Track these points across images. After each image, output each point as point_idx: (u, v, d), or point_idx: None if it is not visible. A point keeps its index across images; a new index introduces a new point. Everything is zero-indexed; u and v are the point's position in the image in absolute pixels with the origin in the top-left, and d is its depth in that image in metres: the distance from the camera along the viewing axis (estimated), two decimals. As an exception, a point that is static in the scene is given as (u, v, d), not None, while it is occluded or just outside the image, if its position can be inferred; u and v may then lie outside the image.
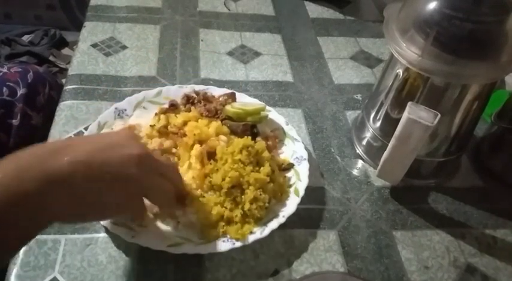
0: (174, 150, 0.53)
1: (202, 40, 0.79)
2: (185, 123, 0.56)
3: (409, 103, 0.48)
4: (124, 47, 0.74)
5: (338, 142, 0.64)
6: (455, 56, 0.47)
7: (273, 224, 0.48)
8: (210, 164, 0.51)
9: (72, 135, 0.58)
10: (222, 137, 0.54)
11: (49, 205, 0.35)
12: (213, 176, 0.50)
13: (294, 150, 0.57)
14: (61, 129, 0.59)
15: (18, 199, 0.33)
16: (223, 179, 0.49)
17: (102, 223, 0.47)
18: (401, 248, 0.52)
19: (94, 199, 0.38)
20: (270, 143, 0.57)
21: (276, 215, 0.50)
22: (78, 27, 0.82)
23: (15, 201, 0.33)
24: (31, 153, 0.36)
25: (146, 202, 0.43)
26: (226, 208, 0.48)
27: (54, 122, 0.60)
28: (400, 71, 0.53)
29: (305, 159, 0.55)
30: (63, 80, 0.71)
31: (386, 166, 0.53)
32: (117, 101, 0.60)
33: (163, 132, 0.55)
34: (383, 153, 0.52)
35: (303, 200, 0.51)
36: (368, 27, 0.89)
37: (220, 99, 0.61)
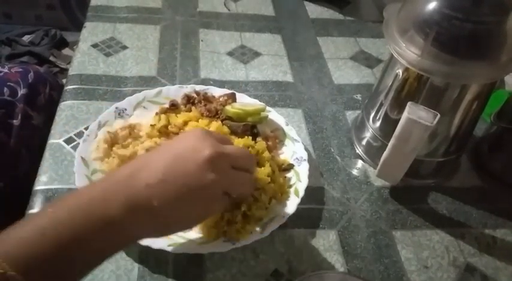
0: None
1: (202, 40, 0.79)
2: (186, 123, 0.56)
3: (409, 103, 0.48)
4: (124, 47, 0.74)
5: (338, 142, 0.64)
6: (455, 56, 0.47)
7: (273, 224, 0.48)
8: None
9: (73, 136, 0.58)
10: (222, 137, 0.54)
11: (133, 228, 0.36)
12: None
13: (294, 151, 0.57)
14: (61, 129, 0.59)
15: (103, 224, 0.34)
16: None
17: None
18: (401, 248, 0.52)
19: (178, 214, 0.38)
20: (270, 143, 0.58)
21: (276, 216, 0.50)
22: (78, 27, 0.82)
23: (101, 226, 0.34)
24: (110, 180, 0.37)
25: None
26: (226, 208, 0.48)
27: (55, 122, 0.60)
28: (400, 71, 0.53)
29: (305, 160, 0.56)
30: (64, 80, 0.71)
31: (386, 165, 0.53)
32: (117, 101, 0.60)
33: (164, 132, 0.55)
34: (383, 153, 0.52)
35: (303, 200, 0.51)
36: (368, 28, 0.89)
37: (221, 99, 0.61)
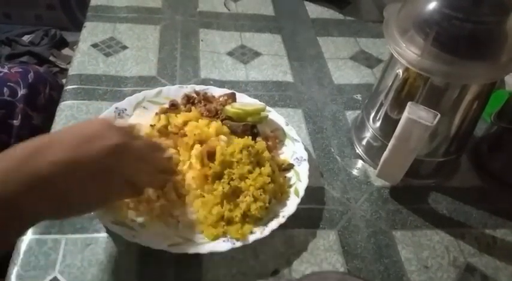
0: (174, 150, 0.53)
1: (202, 40, 0.79)
2: (185, 123, 0.56)
3: (409, 103, 0.48)
4: (124, 47, 0.74)
5: (338, 142, 0.64)
6: (455, 56, 0.47)
7: (273, 224, 0.48)
8: (210, 168, 0.51)
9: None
10: (222, 137, 0.54)
11: (34, 205, 0.36)
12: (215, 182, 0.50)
13: (294, 150, 0.57)
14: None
15: (3, 202, 0.34)
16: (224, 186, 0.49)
17: (103, 222, 0.47)
18: (401, 248, 0.52)
19: (78, 194, 0.39)
20: (270, 143, 0.58)
21: (276, 215, 0.50)
22: (78, 27, 0.82)
23: (1, 204, 0.33)
24: (12, 155, 0.36)
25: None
26: (226, 207, 0.49)
27: (55, 122, 0.60)
28: (400, 71, 0.53)
29: (305, 160, 0.56)
30: (64, 80, 0.71)
31: (386, 165, 0.53)
32: (117, 101, 0.60)
33: (164, 132, 0.55)
34: (383, 153, 0.52)
35: (303, 200, 0.51)
36: (368, 28, 0.89)
37: (221, 99, 0.61)
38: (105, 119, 0.43)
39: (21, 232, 0.37)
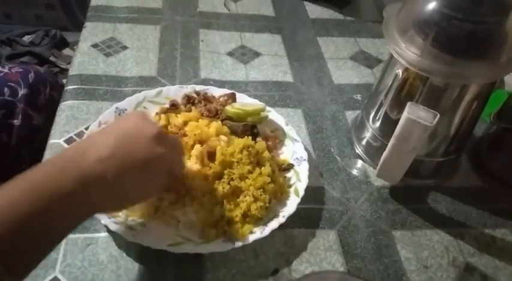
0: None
1: (202, 40, 0.79)
2: (185, 123, 0.56)
3: (409, 103, 0.49)
4: (124, 48, 0.74)
5: (338, 142, 0.64)
6: (455, 56, 0.47)
7: (273, 224, 0.48)
8: (210, 168, 0.51)
9: (73, 136, 0.58)
10: (223, 137, 0.54)
11: (89, 200, 0.37)
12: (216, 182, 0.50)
13: (294, 150, 0.57)
14: (62, 129, 0.59)
15: (60, 198, 0.35)
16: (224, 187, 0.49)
17: (103, 222, 0.47)
18: (400, 248, 0.52)
19: (128, 188, 0.40)
20: (270, 143, 0.58)
21: (276, 215, 0.50)
22: (78, 27, 0.82)
23: (58, 200, 0.35)
24: (61, 155, 0.38)
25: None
26: (226, 207, 0.49)
27: (55, 122, 0.60)
28: (400, 71, 0.53)
29: (305, 160, 0.56)
30: (64, 80, 0.71)
31: (386, 165, 0.53)
32: (117, 101, 0.60)
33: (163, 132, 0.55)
34: (382, 153, 0.52)
35: (303, 200, 0.51)
36: (368, 28, 0.89)
37: (221, 99, 0.61)
38: (138, 113, 0.44)
39: (72, 227, 0.38)
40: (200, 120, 0.56)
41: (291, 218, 0.50)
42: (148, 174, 0.41)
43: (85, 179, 0.36)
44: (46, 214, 0.34)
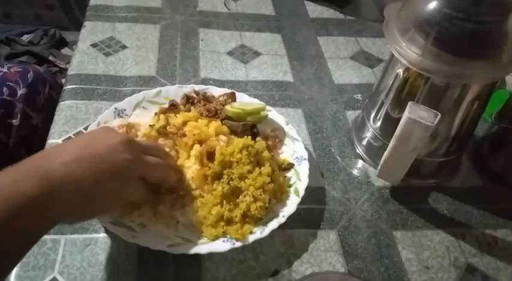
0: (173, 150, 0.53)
1: (202, 40, 0.79)
2: (185, 123, 0.55)
3: (410, 103, 0.48)
4: (124, 47, 0.74)
5: (338, 142, 0.64)
6: (456, 55, 0.47)
7: (273, 224, 0.48)
8: (209, 168, 0.50)
9: (72, 136, 0.58)
10: (222, 137, 0.54)
11: (51, 205, 0.35)
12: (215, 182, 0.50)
13: (294, 150, 0.57)
14: (61, 129, 0.59)
15: (20, 203, 0.33)
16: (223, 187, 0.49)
17: (102, 223, 0.46)
18: (401, 248, 0.52)
19: (93, 193, 0.39)
20: (270, 143, 0.57)
21: (276, 215, 0.50)
22: (77, 27, 0.82)
23: (19, 205, 0.33)
24: (24, 161, 0.37)
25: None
26: (226, 208, 0.48)
27: (54, 122, 0.60)
28: (401, 71, 0.53)
29: (305, 159, 0.55)
30: (63, 80, 0.70)
31: (387, 165, 0.53)
32: (116, 101, 0.60)
33: (163, 132, 0.55)
34: (383, 153, 0.52)
35: (303, 200, 0.51)
36: (368, 27, 0.89)
37: (220, 99, 0.61)
38: (106, 126, 0.45)
39: (37, 237, 0.37)
40: (199, 120, 0.56)
41: (291, 218, 0.49)
42: (118, 178, 0.40)
43: (47, 182, 0.35)
44: (8, 224, 0.33)
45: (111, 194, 0.41)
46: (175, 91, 0.62)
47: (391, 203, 0.57)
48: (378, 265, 0.50)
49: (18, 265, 0.44)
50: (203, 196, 0.49)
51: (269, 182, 0.50)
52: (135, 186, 0.43)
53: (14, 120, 0.71)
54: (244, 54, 0.77)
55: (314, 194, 0.55)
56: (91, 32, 0.76)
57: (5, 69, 0.74)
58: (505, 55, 0.48)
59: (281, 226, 0.48)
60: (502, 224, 0.56)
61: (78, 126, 0.59)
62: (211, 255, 0.47)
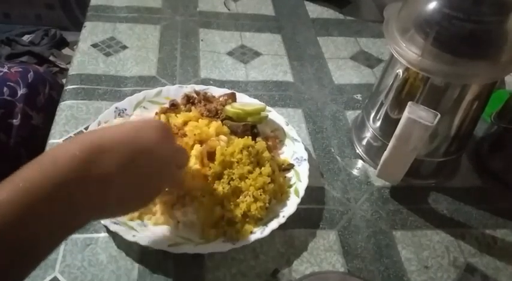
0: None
1: (202, 40, 0.79)
2: (185, 123, 0.56)
3: (409, 103, 0.48)
4: (124, 47, 0.74)
5: (338, 142, 0.64)
6: (455, 56, 0.47)
7: (273, 224, 0.48)
8: (210, 168, 0.51)
9: (73, 136, 0.58)
10: (222, 137, 0.54)
11: (88, 199, 0.34)
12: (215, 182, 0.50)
13: (294, 150, 0.57)
14: (61, 129, 0.59)
15: (54, 188, 0.33)
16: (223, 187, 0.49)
17: (103, 222, 0.47)
18: (401, 248, 0.52)
19: (132, 181, 0.37)
20: (270, 143, 0.58)
21: (276, 215, 0.50)
22: (78, 27, 0.82)
23: (52, 192, 0.32)
24: (62, 146, 0.37)
25: None
26: (226, 208, 0.48)
27: (55, 122, 0.60)
28: (400, 71, 0.53)
29: (305, 159, 0.55)
30: (64, 80, 0.71)
31: (387, 165, 0.53)
32: (117, 101, 0.60)
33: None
34: (383, 153, 0.52)
35: (303, 200, 0.51)
36: (368, 27, 0.89)
37: (221, 99, 0.61)
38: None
39: (74, 230, 0.36)
40: (200, 120, 0.56)
41: (291, 219, 0.49)
42: (153, 165, 0.39)
43: (99, 147, 0.35)
44: (42, 213, 0.32)
45: (147, 186, 0.40)
46: (175, 91, 0.62)
47: (391, 203, 0.57)
48: (378, 265, 0.50)
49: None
50: (204, 196, 0.49)
51: (269, 183, 0.50)
52: (169, 178, 0.43)
53: (14, 120, 0.72)
54: (244, 54, 0.77)
55: (314, 194, 0.56)
56: (91, 32, 0.76)
57: (5, 69, 0.74)
58: (504, 55, 0.48)
59: (281, 226, 0.48)
60: (501, 224, 0.56)
61: (78, 126, 0.59)
62: (211, 255, 0.47)
